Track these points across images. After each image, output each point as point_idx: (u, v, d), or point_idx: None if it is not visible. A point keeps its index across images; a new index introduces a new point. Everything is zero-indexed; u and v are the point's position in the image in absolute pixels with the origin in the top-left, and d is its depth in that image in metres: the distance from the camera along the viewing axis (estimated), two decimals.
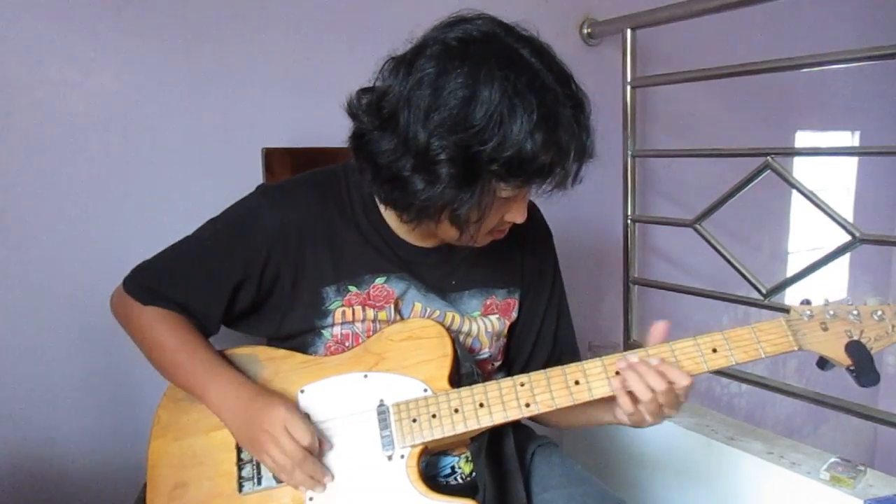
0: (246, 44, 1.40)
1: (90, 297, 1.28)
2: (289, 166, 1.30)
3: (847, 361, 0.87)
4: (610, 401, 0.90)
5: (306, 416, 0.91)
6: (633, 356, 0.88)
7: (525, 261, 1.07)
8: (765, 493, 1.37)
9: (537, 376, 0.91)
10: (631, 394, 0.86)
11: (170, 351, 0.94)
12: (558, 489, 1.02)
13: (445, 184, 0.80)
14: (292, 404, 0.90)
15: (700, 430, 1.50)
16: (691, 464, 1.53)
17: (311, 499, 0.89)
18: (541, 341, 1.10)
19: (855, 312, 0.89)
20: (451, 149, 0.78)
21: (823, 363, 0.90)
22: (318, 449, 0.88)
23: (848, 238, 1.33)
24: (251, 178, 1.31)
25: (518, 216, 0.90)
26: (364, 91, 0.88)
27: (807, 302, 0.91)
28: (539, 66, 0.80)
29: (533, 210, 1.11)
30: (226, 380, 0.92)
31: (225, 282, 0.96)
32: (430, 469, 0.99)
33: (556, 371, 0.91)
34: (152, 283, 0.96)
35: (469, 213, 0.83)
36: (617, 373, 0.88)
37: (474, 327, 1.03)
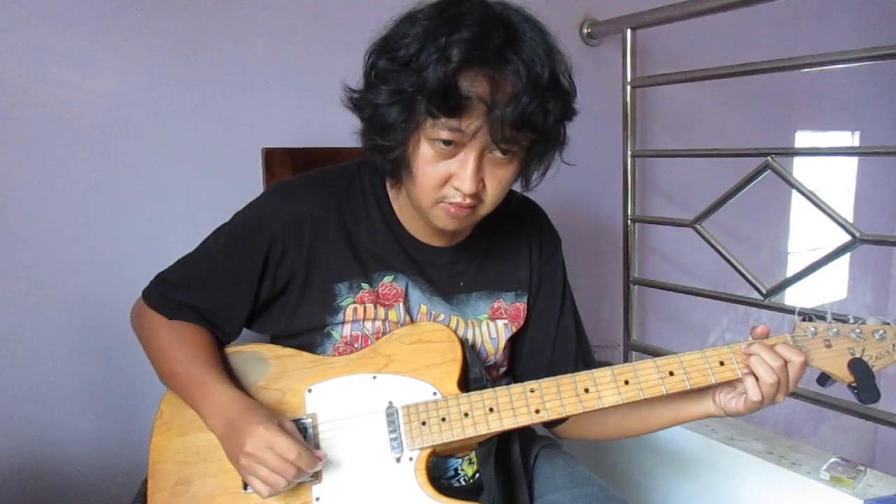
0: (246, 44, 1.40)
1: (91, 297, 1.28)
2: (289, 166, 1.30)
3: (849, 378, 0.89)
4: (706, 390, 0.92)
5: (299, 431, 0.87)
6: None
7: (534, 266, 1.06)
8: (765, 493, 1.37)
9: (547, 383, 0.91)
10: (754, 376, 0.87)
11: (171, 362, 0.93)
12: (562, 490, 1.02)
13: (385, 104, 0.81)
14: (274, 423, 0.82)
15: (700, 430, 1.50)
16: (691, 464, 1.53)
17: (317, 499, 0.88)
18: (559, 353, 1.08)
19: (857, 331, 0.90)
20: (385, 76, 0.81)
21: (825, 379, 0.92)
22: (316, 462, 0.83)
23: (848, 238, 1.33)
24: (251, 178, 1.32)
25: (462, 182, 0.83)
26: None
27: (809, 318, 0.92)
28: (488, 13, 0.79)
29: (542, 215, 1.11)
30: (218, 394, 0.88)
31: (246, 281, 0.95)
32: (434, 471, 0.99)
33: (566, 378, 0.91)
34: (175, 294, 0.95)
35: (402, 155, 0.84)
36: (722, 362, 0.89)
37: (478, 333, 1.02)
